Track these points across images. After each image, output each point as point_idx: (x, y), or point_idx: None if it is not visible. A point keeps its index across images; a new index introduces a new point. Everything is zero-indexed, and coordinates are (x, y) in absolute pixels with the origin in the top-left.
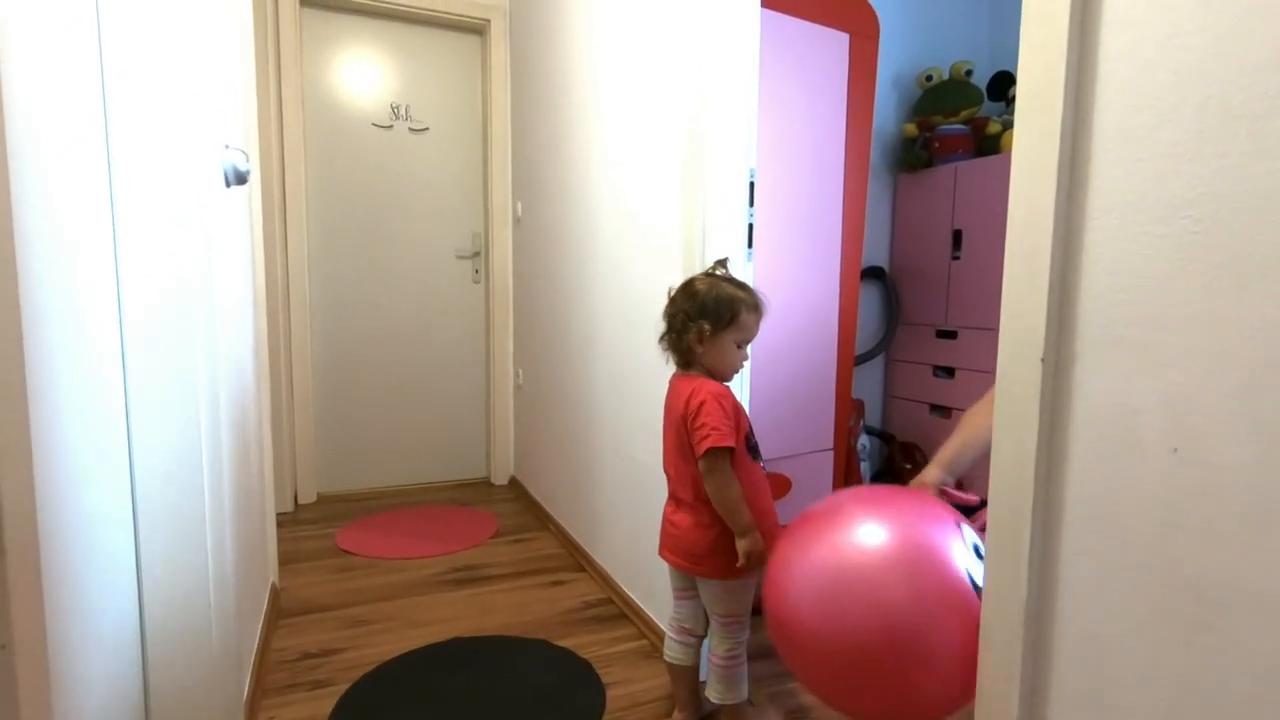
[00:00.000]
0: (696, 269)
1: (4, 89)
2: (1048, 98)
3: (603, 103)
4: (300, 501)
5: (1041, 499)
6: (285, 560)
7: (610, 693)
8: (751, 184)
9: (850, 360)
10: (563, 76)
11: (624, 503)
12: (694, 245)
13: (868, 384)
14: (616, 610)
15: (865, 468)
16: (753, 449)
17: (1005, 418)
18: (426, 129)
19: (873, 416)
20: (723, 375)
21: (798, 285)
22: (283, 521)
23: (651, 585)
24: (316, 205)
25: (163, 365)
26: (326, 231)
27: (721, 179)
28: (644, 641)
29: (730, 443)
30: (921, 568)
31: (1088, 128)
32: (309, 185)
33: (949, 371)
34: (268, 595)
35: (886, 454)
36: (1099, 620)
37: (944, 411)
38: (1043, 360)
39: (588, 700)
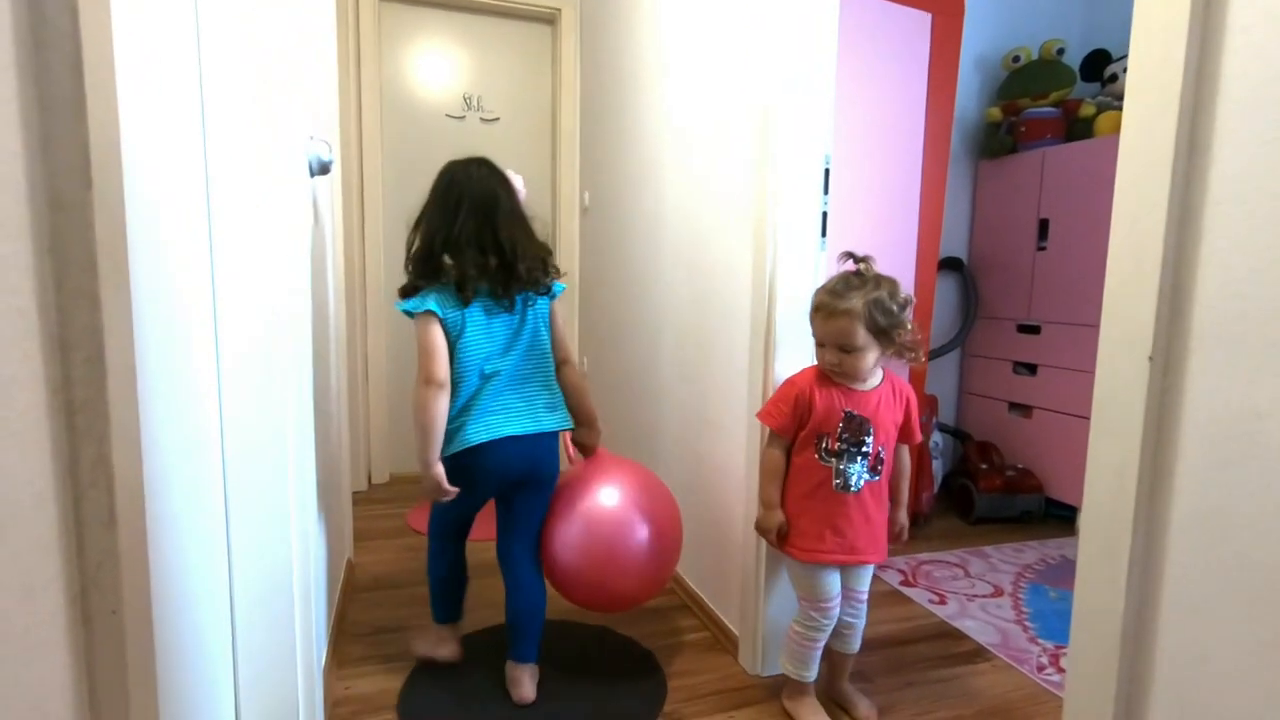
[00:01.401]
0: (767, 261)
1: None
2: (1164, 73)
3: (673, 89)
4: (374, 481)
5: (1144, 509)
6: (360, 537)
7: (671, 683)
8: (827, 171)
9: (926, 353)
10: (632, 64)
11: (690, 498)
12: (765, 234)
13: (942, 380)
14: (679, 601)
15: (937, 466)
16: (824, 449)
17: (1105, 421)
18: (497, 119)
19: (946, 413)
20: (828, 372)
21: None
22: (357, 500)
23: (714, 579)
24: (392, 195)
25: (252, 350)
26: (401, 221)
27: (795, 166)
28: (706, 634)
29: (768, 421)
30: (606, 525)
31: (1210, 105)
32: (385, 175)
33: (1030, 368)
34: (344, 570)
35: (961, 453)
36: (1210, 643)
37: (1024, 410)
38: (1150, 359)
39: (648, 689)
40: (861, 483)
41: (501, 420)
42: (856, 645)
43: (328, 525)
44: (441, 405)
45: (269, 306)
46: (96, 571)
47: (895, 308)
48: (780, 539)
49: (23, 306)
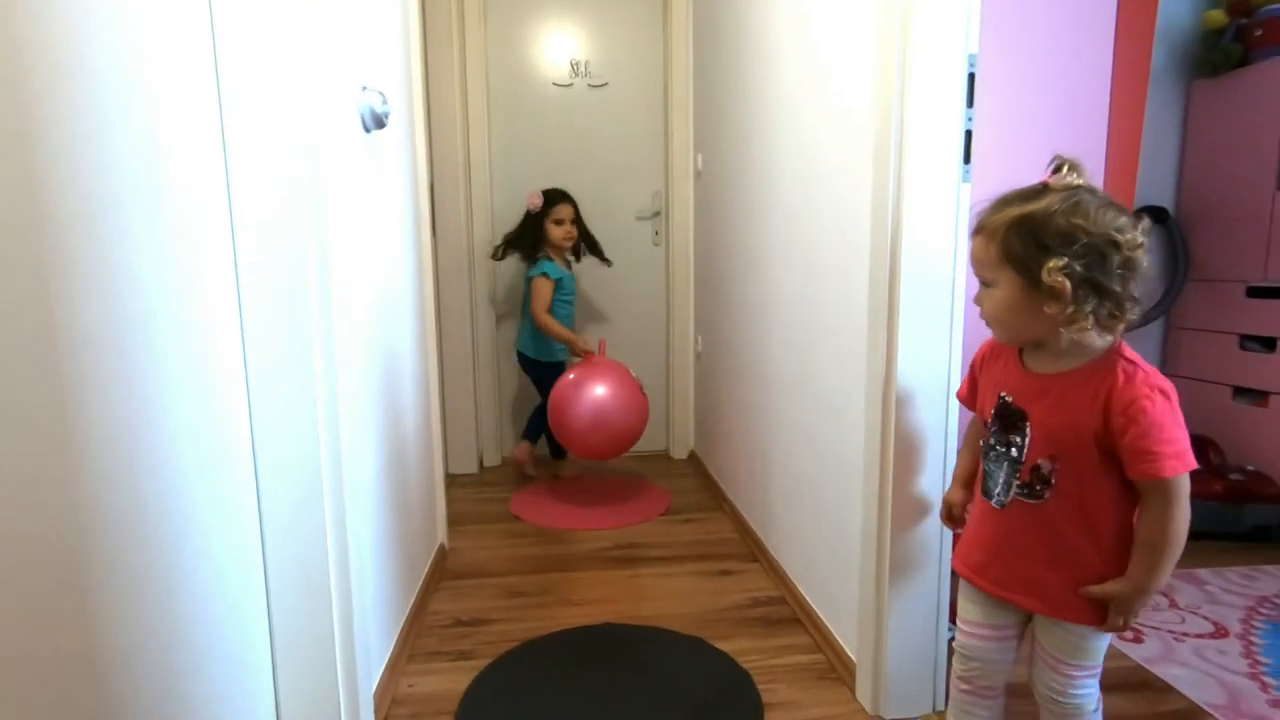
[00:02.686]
0: (889, 196)
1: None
2: None
3: (785, 19)
4: (485, 464)
5: None
6: (460, 521)
7: (768, 715)
8: (971, 76)
9: None
10: (745, 10)
11: (803, 491)
12: (886, 159)
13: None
14: (789, 613)
15: None
16: (985, 438)
17: None
18: (605, 84)
19: None
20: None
21: None
22: (465, 483)
23: (831, 591)
24: (499, 166)
25: (275, 330)
26: (510, 196)
27: (927, 64)
28: (819, 657)
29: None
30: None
31: None
32: (492, 147)
33: (1268, 343)
34: (432, 556)
35: None
36: None
37: (1256, 396)
38: None
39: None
40: (1009, 497)
41: None
42: None
43: (403, 509)
44: None
45: (297, 276)
46: None
47: (1063, 231)
48: (951, 521)
49: None
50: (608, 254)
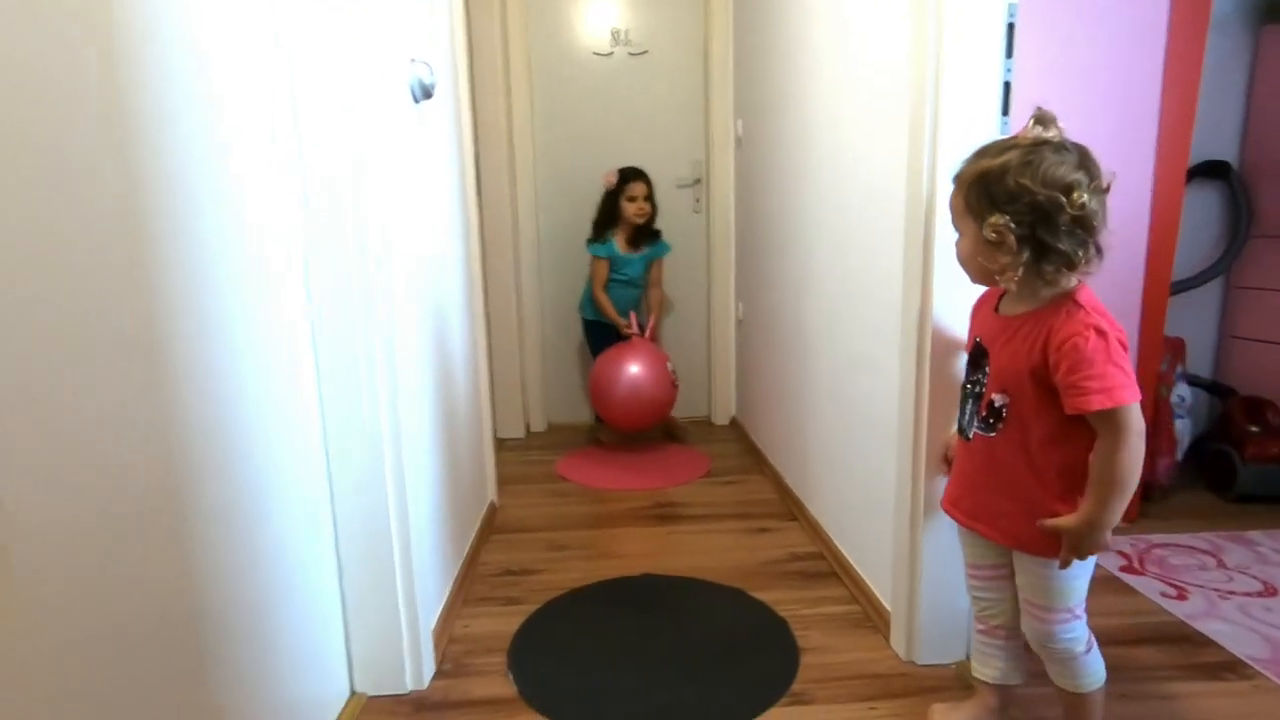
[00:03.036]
0: (924, 147)
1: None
2: None
3: None
4: (532, 429)
5: None
6: (509, 481)
7: (804, 659)
8: (1010, 26)
9: (1164, 286)
10: None
11: (840, 449)
12: (922, 109)
13: (1195, 319)
14: (826, 567)
15: (1182, 426)
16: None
17: None
18: (645, 52)
19: (1200, 362)
20: None
21: None
22: (513, 446)
23: (866, 543)
24: (541, 138)
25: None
26: (552, 168)
27: (965, 14)
28: (855, 607)
29: None
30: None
31: None
32: (535, 118)
33: None
34: (484, 512)
35: (1221, 410)
36: None
37: None
38: None
39: (776, 664)
40: (972, 431)
41: None
42: (1015, 673)
43: (455, 469)
44: None
45: (358, 248)
46: None
47: (1010, 190)
48: (945, 464)
49: None
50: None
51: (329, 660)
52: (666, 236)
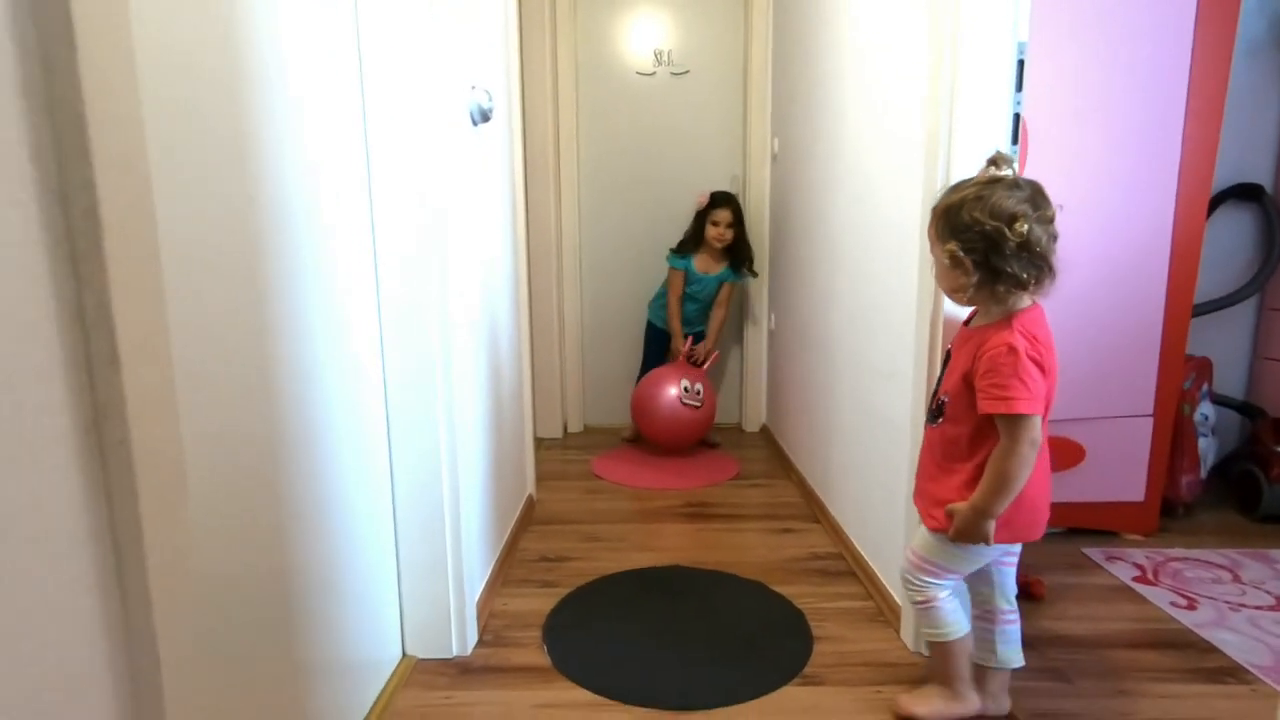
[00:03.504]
0: (938, 174)
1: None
2: None
3: (854, 13)
4: (569, 430)
5: None
6: (547, 478)
7: (818, 646)
8: (1020, 63)
9: (1186, 306)
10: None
11: (860, 454)
12: (936, 140)
13: (1225, 340)
14: (845, 566)
15: (1206, 444)
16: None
17: None
18: (687, 72)
19: (1231, 382)
20: None
21: (1098, 202)
22: (551, 446)
23: (881, 544)
24: (586, 154)
25: (404, 298)
26: (596, 182)
27: (976, 56)
28: (869, 604)
29: None
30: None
31: None
32: (580, 136)
33: None
34: (522, 504)
35: (1249, 432)
36: None
37: None
38: None
39: (792, 650)
40: (928, 421)
41: None
42: (985, 653)
43: (501, 461)
44: None
45: (424, 254)
46: (105, 405)
47: (964, 222)
48: None
49: (6, 151)
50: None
51: (385, 626)
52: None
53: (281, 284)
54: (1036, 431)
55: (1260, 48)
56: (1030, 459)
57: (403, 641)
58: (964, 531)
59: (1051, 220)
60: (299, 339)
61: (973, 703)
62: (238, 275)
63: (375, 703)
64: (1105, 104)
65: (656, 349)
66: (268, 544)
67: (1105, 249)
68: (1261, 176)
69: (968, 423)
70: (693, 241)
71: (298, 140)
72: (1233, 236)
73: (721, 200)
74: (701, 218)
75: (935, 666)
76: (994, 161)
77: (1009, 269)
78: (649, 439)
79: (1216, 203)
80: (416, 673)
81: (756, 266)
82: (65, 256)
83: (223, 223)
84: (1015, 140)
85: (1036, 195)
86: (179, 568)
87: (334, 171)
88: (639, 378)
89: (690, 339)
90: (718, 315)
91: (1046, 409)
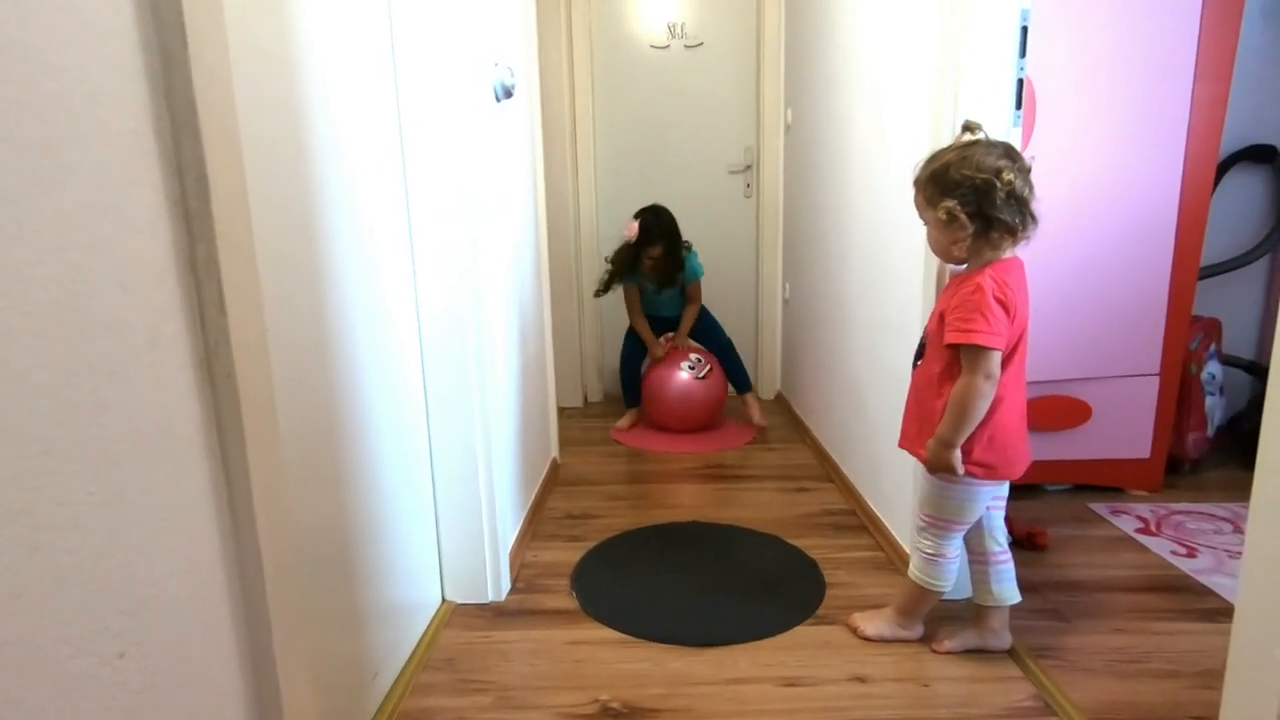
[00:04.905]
0: (946, 127)
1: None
2: None
3: None
4: (589, 399)
5: None
6: (569, 443)
7: (830, 591)
8: (1024, 29)
9: (1192, 268)
10: None
11: (874, 412)
12: (942, 109)
13: (1236, 301)
14: (857, 521)
15: (1213, 403)
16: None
17: None
18: (701, 44)
19: (1241, 343)
20: None
21: (1106, 164)
22: (572, 414)
23: (890, 497)
24: (602, 128)
25: (442, 267)
26: (611, 155)
27: (979, 22)
28: (879, 554)
29: None
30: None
31: None
32: (595, 110)
33: None
34: (548, 467)
35: (1257, 392)
36: None
37: None
38: None
39: (805, 594)
40: (913, 362)
41: None
42: (978, 591)
43: (528, 425)
44: None
45: (454, 228)
46: (215, 345)
47: (954, 180)
48: None
49: (139, 129)
50: (701, 207)
51: (427, 573)
52: (717, 220)
53: (328, 268)
54: (994, 366)
55: (1276, 9)
56: (986, 392)
57: (442, 588)
58: (933, 463)
59: (1029, 171)
60: (344, 314)
61: (916, 633)
62: (294, 250)
63: (420, 640)
64: (1112, 65)
65: (636, 353)
66: (329, 494)
67: (1112, 210)
68: (1275, 138)
69: (940, 359)
70: (628, 273)
71: (336, 123)
72: (1246, 198)
73: (656, 235)
74: (635, 249)
75: (902, 598)
76: (968, 127)
77: (1001, 215)
78: (674, 428)
79: (1229, 165)
80: (456, 615)
81: (772, 236)
82: (181, 215)
83: (278, 196)
84: (1019, 105)
85: (1010, 151)
86: (275, 487)
87: (369, 149)
88: (623, 379)
89: (667, 338)
90: (690, 311)
91: (1013, 354)
